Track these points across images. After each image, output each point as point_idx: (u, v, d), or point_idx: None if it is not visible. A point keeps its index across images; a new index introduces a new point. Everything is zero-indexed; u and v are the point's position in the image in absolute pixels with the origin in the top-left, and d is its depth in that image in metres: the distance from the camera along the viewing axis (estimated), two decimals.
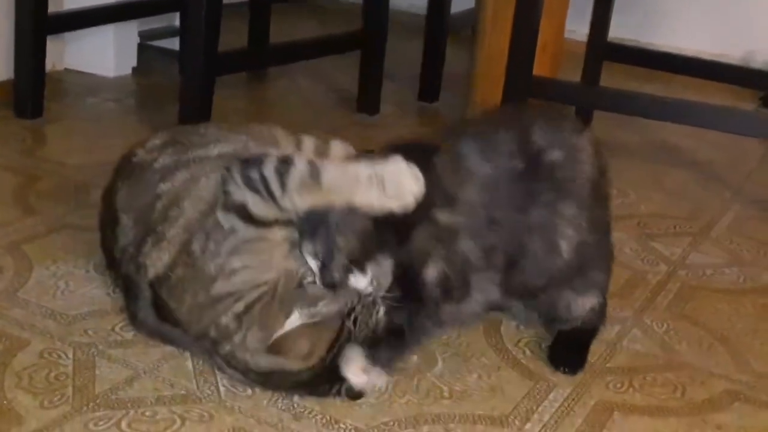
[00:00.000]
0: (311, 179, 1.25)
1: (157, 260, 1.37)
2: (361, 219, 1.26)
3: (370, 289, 1.30)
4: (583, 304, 1.50)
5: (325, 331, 1.28)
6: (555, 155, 1.40)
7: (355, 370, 1.28)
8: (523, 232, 1.38)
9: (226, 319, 1.30)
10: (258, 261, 1.29)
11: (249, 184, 1.26)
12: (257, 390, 1.35)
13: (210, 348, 1.34)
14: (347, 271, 1.27)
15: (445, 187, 1.32)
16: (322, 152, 1.57)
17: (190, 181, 1.41)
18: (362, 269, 1.27)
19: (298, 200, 1.25)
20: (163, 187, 1.43)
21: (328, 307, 1.28)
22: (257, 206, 1.26)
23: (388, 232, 1.26)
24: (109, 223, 1.51)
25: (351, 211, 1.25)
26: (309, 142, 1.57)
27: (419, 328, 1.33)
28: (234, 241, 1.28)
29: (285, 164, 1.26)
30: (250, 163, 1.28)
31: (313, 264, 1.28)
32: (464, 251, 1.33)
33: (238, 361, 1.31)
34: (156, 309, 1.39)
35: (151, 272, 1.37)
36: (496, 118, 1.50)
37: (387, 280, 1.30)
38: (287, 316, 1.28)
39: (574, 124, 1.50)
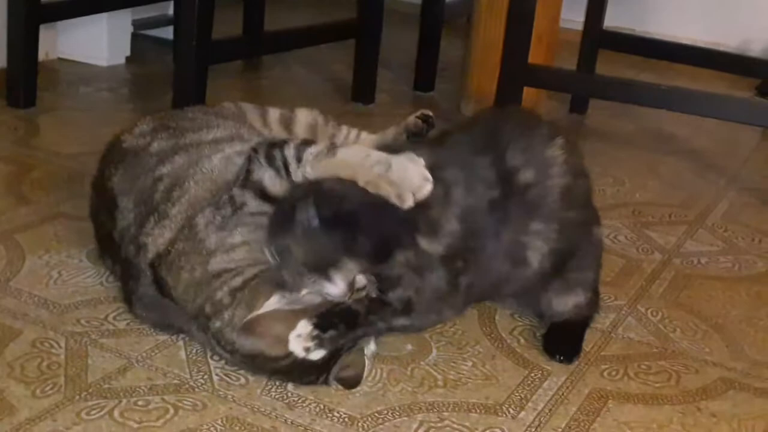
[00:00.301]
0: (327, 154, 1.32)
1: (158, 237, 1.38)
2: (324, 230, 1.25)
3: (361, 281, 1.29)
4: (565, 302, 1.50)
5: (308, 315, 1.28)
6: (527, 176, 1.40)
7: (296, 342, 1.27)
8: (493, 256, 1.38)
9: (222, 294, 1.31)
10: (257, 237, 1.31)
11: (270, 162, 1.33)
12: (250, 379, 1.35)
13: (204, 324, 1.34)
14: (302, 275, 1.26)
15: (431, 215, 1.31)
16: (288, 119, 1.63)
17: (191, 164, 1.45)
18: (326, 275, 1.26)
19: (310, 170, 1.31)
20: (163, 169, 1.46)
21: (311, 296, 1.28)
22: (272, 182, 1.33)
23: (367, 243, 1.26)
24: (104, 208, 1.51)
25: (318, 220, 1.25)
26: (274, 112, 1.64)
27: (372, 324, 1.32)
28: (240, 216, 1.33)
29: (305, 144, 1.34)
30: (275, 143, 1.35)
31: (272, 261, 1.29)
32: (435, 281, 1.33)
33: (226, 341, 1.31)
34: (157, 286, 1.39)
35: (152, 251, 1.38)
36: (473, 134, 1.46)
37: (361, 283, 1.29)
38: (266, 299, 1.28)
39: (545, 132, 1.47)
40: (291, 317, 1.27)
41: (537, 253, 1.41)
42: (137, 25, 2.92)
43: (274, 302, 1.27)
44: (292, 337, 1.26)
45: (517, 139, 1.42)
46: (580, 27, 2.72)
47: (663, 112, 2.45)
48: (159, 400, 1.29)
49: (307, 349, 1.27)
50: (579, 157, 1.50)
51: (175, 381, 1.34)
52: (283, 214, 1.28)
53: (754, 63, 2.92)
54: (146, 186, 1.45)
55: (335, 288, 1.26)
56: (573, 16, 2.80)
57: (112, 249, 1.50)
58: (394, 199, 1.27)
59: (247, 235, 1.33)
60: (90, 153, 2.12)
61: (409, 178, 1.28)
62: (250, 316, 1.27)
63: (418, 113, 1.76)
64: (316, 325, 1.26)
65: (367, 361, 1.34)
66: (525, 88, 2.28)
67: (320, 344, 1.27)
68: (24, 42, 2.32)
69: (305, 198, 1.25)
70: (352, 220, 1.26)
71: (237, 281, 1.31)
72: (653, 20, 3.43)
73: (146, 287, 1.40)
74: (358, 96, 2.69)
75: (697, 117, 2.39)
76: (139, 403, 1.28)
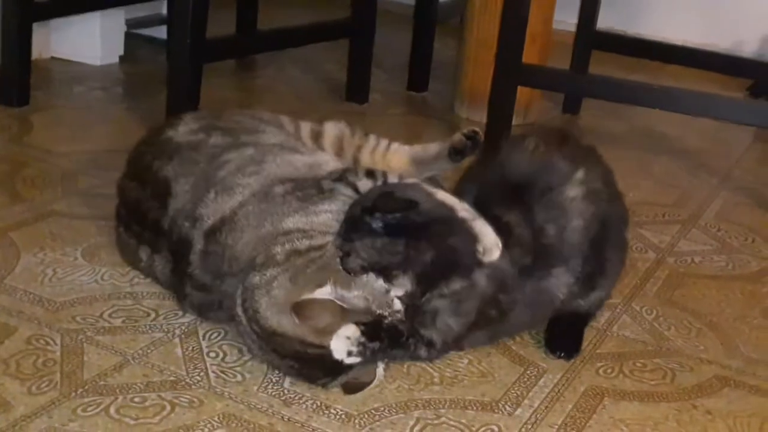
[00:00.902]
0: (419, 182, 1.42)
1: (223, 205, 1.43)
2: (389, 236, 1.28)
3: (398, 305, 1.30)
4: (590, 297, 1.51)
5: (352, 319, 1.28)
6: (549, 231, 1.39)
7: (342, 343, 1.27)
8: (517, 308, 1.40)
9: (279, 250, 1.34)
10: (340, 212, 1.37)
11: (369, 175, 1.46)
12: (247, 376, 1.35)
13: (243, 278, 1.35)
14: (364, 271, 1.29)
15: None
16: (317, 133, 1.70)
17: (266, 153, 1.53)
18: (388, 278, 1.29)
19: None
20: (229, 156, 1.52)
21: (358, 300, 1.29)
22: (364, 184, 1.43)
23: (428, 255, 1.29)
24: (153, 198, 1.52)
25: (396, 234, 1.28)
26: (305, 126, 1.71)
27: (407, 348, 1.33)
28: (329, 195, 1.40)
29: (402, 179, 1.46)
30: (375, 170, 1.48)
31: (336, 257, 1.32)
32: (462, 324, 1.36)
33: (253, 302, 1.32)
34: (203, 259, 1.41)
35: (212, 219, 1.42)
36: (499, 185, 1.45)
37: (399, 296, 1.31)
38: (318, 284, 1.28)
39: (563, 169, 1.44)
40: (341, 313, 1.27)
41: (563, 287, 1.43)
42: (130, 24, 2.91)
43: (326, 292, 1.27)
44: (340, 337, 1.26)
45: (538, 192, 1.41)
46: (572, 28, 2.72)
47: (655, 112, 2.46)
48: (155, 396, 1.29)
49: (349, 353, 1.27)
50: (604, 178, 1.50)
51: (172, 378, 1.33)
52: (353, 215, 1.31)
53: (745, 64, 2.94)
54: (210, 169, 1.50)
55: (397, 290, 1.29)
56: (566, 18, 2.81)
57: (155, 239, 1.50)
58: (477, 249, 1.31)
59: (334, 207, 1.39)
60: (83, 151, 2.13)
61: (489, 234, 1.33)
62: (304, 297, 1.27)
63: (466, 130, 1.73)
64: (364, 333, 1.27)
65: (376, 379, 1.35)
66: (519, 88, 2.29)
67: (362, 352, 1.27)
68: (17, 41, 2.32)
69: (374, 201, 1.29)
70: (418, 231, 1.29)
71: (303, 244, 1.34)
72: (645, 21, 3.44)
73: (195, 263, 1.42)
74: (352, 96, 2.69)
75: (689, 117, 2.40)
76: (136, 399, 1.28)
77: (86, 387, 1.29)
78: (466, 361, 1.45)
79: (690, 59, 2.78)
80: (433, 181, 1.75)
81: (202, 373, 1.35)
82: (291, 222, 1.38)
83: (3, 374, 1.30)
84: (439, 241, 1.30)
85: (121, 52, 2.84)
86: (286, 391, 1.33)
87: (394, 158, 1.74)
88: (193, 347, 1.41)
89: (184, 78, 2.14)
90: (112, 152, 2.13)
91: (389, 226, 1.28)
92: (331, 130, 1.71)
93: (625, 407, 1.37)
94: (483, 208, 1.39)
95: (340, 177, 1.46)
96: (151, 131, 1.67)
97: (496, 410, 1.34)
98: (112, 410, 1.25)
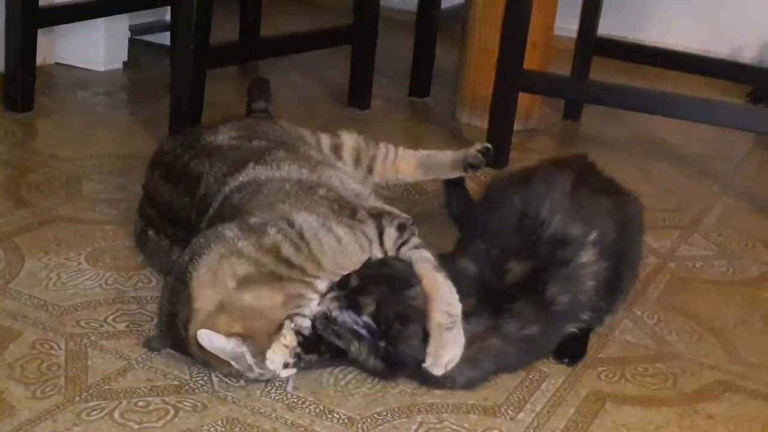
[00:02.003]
0: (430, 260, 1.40)
1: (260, 172, 1.48)
2: (387, 360, 1.33)
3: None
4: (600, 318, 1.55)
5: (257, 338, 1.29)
6: (562, 300, 1.41)
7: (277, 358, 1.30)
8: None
9: (272, 233, 1.34)
10: (348, 245, 1.38)
11: (401, 229, 1.46)
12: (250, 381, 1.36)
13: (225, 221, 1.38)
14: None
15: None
16: (338, 145, 1.78)
17: (321, 163, 1.60)
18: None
19: (415, 259, 1.41)
20: (279, 153, 1.57)
21: (243, 366, 1.30)
22: (391, 239, 1.44)
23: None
24: (186, 191, 1.54)
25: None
26: (325, 139, 1.79)
27: (353, 362, 1.37)
28: (356, 225, 1.40)
29: (420, 247, 1.44)
30: (405, 228, 1.47)
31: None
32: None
33: (207, 248, 1.33)
34: (220, 210, 1.44)
35: (242, 179, 1.47)
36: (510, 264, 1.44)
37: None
38: (245, 326, 1.29)
39: (579, 235, 1.45)
40: (246, 332, 1.29)
41: (575, 327, 1.47)
42: (134, 30, 2.93)
43: (231, 346, 1.27)
44: (275, 349, 1.29)
45: (553, 267, 1.42)
46: (573, 35, 2.73)
47: (656, 117, 2.46)
48: (159, 401, 1.30)
49: (286, 365, 1.30)
50: (616, 220, 1.52)
51: (175, 382, 1.34)
52: (354, 300, 1.32)
53: (745, 70, 2.95)
54: (245, 156, 1.54)
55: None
56: (567, 24, 2.82)
57: (187, 238, 1.48)
58: (429, 357, 1.31)
59: (345, 237, 1.38)
60: (87, 156, 2.13)
61: (450, 352, 1.32)
62: (213, 339, 1.26)
63: (479, 146, 1.86)
64: (300, 344, 1.30)
65: None
66: (520, 94, 2.30)
67: (296, 364, 1.31)
68: (22, 46, 2.33)
69: (392, 320, 1.30)
70: (406, 366, 1.34)
71: (287, 251, 1.33)
72: (646, 28, 3.45)
73: (208, 221, 1.45)
74: (354, 101, 2.70)
75: (689, 123, 2.40)
76: (140, 404, 1.29)
77: (90, 391, 1.30)
78: None
79: (690, 65, 2.79)
80: (459, 186, 1.89)
81: (205, 378, 1.36)
82: (302, 218, 1.37)
83: (8, 378, 1.31)
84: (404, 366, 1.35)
85: (125, 58, 2.85)
86: (289, 396, 1.33)
87: (402, 164, 1.84)
88: None
89: (187, 84, 2.15)
90: (116, 157, 2.14)
91: (387, 353, 1.32)
92: (349, 141, 1.79)
93: (627, 411, 1.38)
94: (492, 270, 1.41)
95: (377, 215, 1.46)
96: (185, 137, 1.69)
97: (498, 414, 1.34)
98: (116, 414, 1.26)
